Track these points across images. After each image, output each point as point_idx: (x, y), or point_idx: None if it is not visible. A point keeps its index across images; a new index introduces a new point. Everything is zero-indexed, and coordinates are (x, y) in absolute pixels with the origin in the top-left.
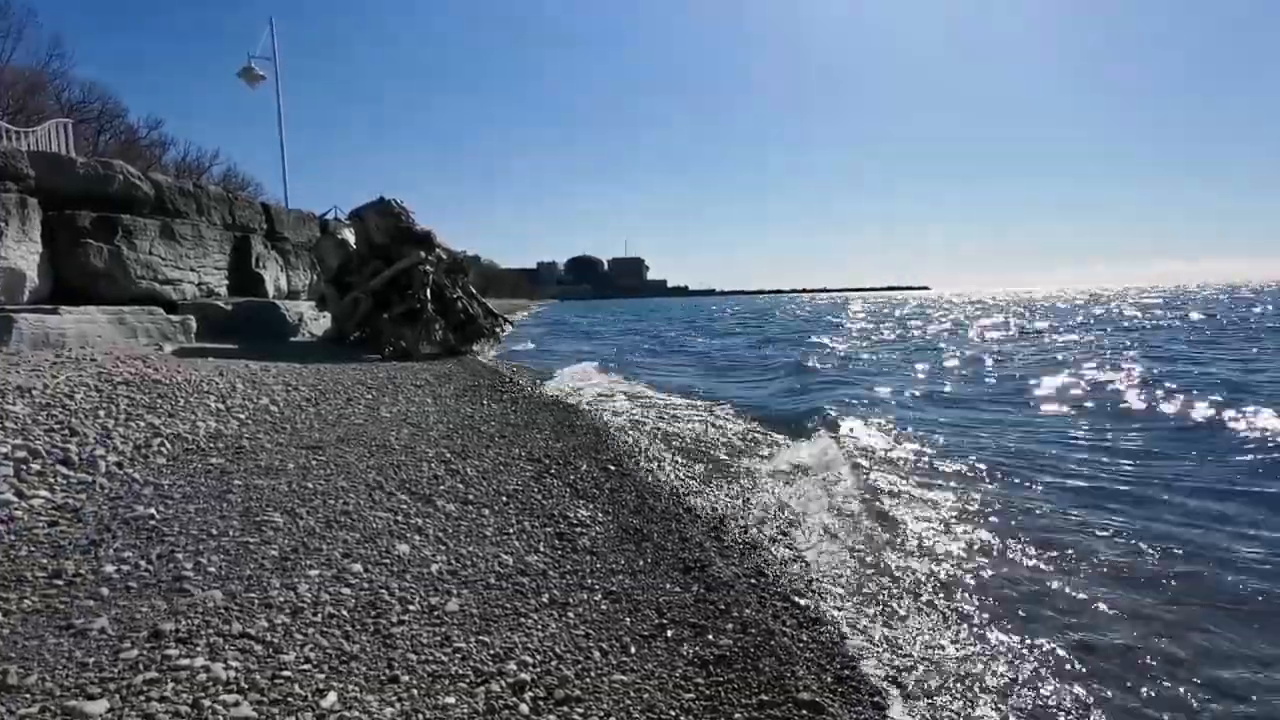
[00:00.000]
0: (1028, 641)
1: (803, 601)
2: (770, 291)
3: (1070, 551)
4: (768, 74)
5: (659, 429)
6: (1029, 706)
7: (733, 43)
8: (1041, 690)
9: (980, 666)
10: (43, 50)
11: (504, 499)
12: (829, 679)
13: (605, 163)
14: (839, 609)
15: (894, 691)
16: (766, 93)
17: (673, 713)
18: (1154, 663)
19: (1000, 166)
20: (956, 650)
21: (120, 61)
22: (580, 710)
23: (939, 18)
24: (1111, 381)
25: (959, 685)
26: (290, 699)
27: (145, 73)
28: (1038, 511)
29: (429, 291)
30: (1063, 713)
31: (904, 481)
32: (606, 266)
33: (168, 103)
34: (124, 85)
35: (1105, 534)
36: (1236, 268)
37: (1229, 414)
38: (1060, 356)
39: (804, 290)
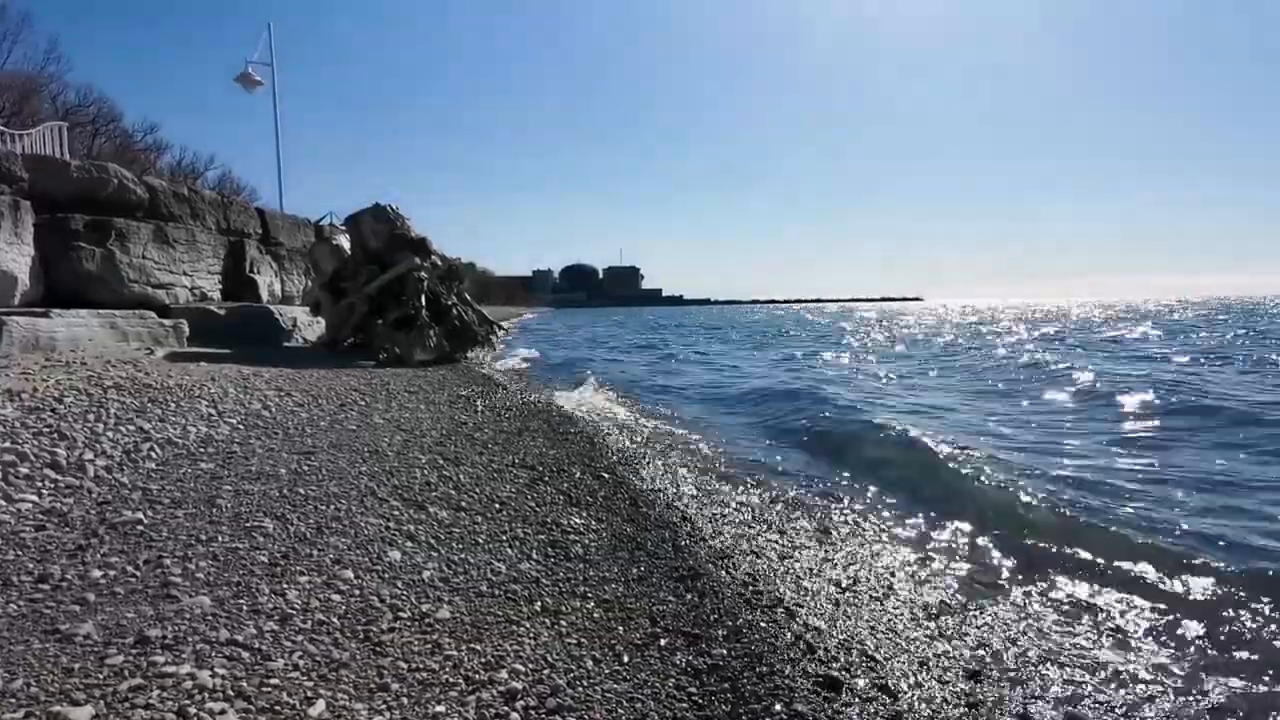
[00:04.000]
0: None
1: (797, 608)
2: (765, 302)
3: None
4: (767, 80)
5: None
6: None
7: (732, 47)
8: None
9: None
10: (39, 53)
11: (497, 506)
12: (824, 686)
13: (604, 170)
14: (834, 614)
15: (886, 699)
16: (766, 100)
17: None
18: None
19: (1003, 175)
20: (956, 655)
21: (117, 65)
22: (573, 719)
23: (938, 19)
24: None
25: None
26: (278, 707)
27: (142, 76)
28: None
29: (424, 298)
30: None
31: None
32: (601, 275)
33: (165, 105)
34: (120, 88)
35: None
36: (1238, 280)
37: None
38: None
39: (799, 300)
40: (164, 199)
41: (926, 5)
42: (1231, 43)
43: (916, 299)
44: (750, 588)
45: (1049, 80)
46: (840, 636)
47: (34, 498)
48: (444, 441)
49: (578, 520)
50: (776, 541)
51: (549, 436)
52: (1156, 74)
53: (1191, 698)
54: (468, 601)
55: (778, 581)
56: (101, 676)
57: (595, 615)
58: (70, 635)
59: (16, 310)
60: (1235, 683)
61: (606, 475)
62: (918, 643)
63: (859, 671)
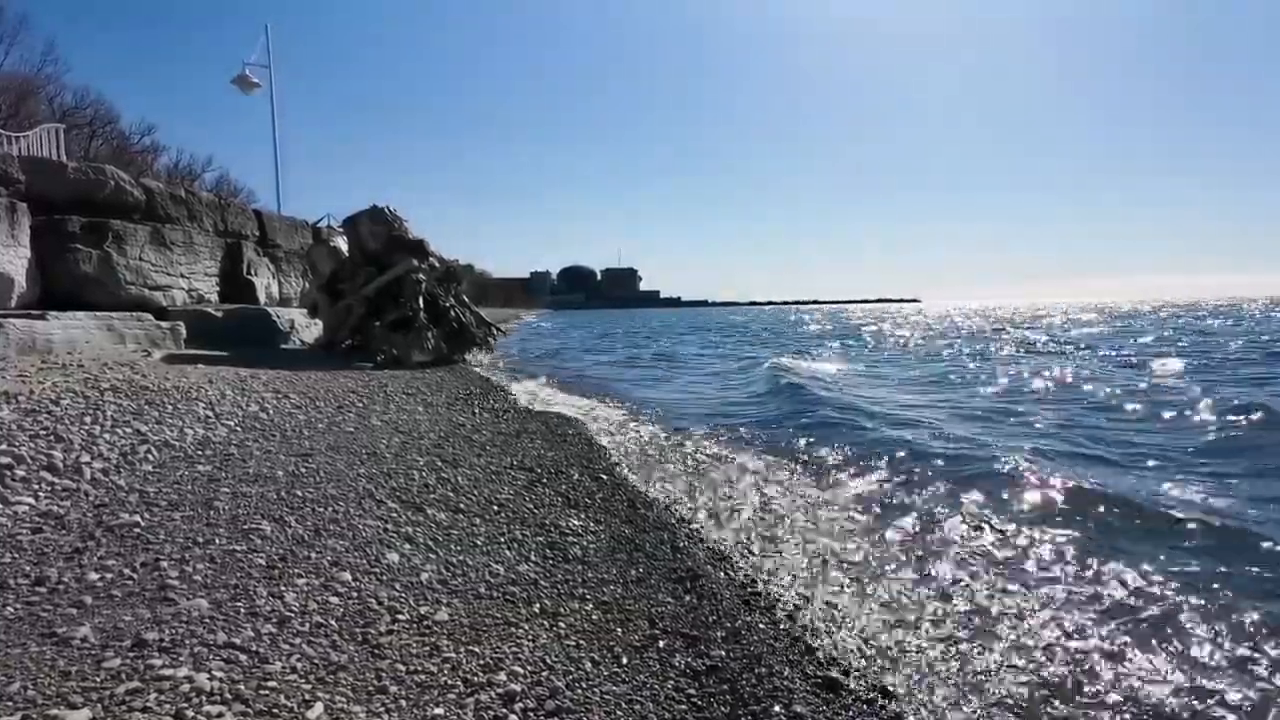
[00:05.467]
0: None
1: (796, 609)
2: (764, 303)
3: None
4: (768, 80)
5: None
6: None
7: (732, 47)
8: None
9: (974, 677)
10: (36, 55)
11: (495, 508)
12: (822, 688)
13: (603, 170)
14: (831, 615)
15: (884, 700)
16: (767, 99)
17: None
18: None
19: (1003, 175)
20: (948, 659)
21: (115, 66)
22: None
23: (939, 18)
24: None
25: (954, 693)
26: (276, 710)
27: (140, 77)
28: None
29: (421, 300)
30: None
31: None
32: (599, 276)
33: (163, 106)
34: (118, 89)
35: None
36: (1237, 280)
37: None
38: None
39: (798, 302)
40: (161, 201)
41: (926, 5)
42: (1232, 42)
43: (914, 300)
44: (749, 589)
45: (1048, 80)
46: (840, 637)
47: (31, 500)
48: (442, 443)
49: (576, 522)
50: None
51: (547, 438)
52: (1157, 74)
53: None
54: (466, 603)
55: (775, 580)
56: (99, 679)
57: (594, 617)
58: (67, 638)
59: (13, 312)
60: None
61: (605, 477)
62: (918, 644)
63: (858, 673)
